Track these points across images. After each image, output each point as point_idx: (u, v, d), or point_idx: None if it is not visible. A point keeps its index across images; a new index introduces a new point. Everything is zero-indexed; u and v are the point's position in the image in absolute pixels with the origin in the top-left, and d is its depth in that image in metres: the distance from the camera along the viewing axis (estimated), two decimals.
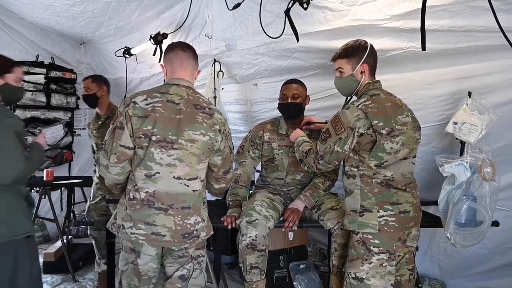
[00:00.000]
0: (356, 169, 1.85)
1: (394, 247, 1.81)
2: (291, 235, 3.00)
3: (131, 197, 1.66)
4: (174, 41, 3.37)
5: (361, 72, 1.89)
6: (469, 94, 2.14)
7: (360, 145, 1.82)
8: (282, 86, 2.39)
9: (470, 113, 2.08)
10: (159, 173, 1.62)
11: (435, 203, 2.51)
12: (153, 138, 1.61)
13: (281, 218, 2.22)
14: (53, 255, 3.33)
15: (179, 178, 1.63)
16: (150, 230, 1.63)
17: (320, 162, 1.88)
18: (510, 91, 2.12)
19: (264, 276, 2.11)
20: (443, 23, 2.04)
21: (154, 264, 1.73)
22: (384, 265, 1.79)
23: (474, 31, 1.99)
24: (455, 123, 2.14)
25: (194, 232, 1.68)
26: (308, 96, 2.40)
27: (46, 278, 3.22)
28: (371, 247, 1.79)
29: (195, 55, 1.83)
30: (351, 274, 1.84)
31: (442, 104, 2.41)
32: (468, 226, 1.98)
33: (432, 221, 2.27)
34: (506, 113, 2.13)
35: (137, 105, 1.62)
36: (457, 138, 2.21)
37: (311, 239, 3.75)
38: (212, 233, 1.83)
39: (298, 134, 2.14)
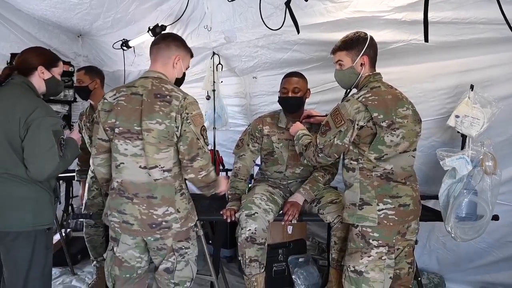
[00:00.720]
0: (355, 162, 1.84)
1: (394, 240, 1.80)
2: (290, 229, 2.99)
3: (111, 187, 1.78)
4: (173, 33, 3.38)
5: (361, 64, 1.87)
6: (472, 87, 2.12)
7: (360, 138, 1.80)
8: (282, 79, 2.36)
9: (472, 106, 2.07)
10: (123, 163, 1.70)
11: (435, 197, 2.50)
12: (116, 130, 1.69)
13: (281, 211, 2.21)
14: None
15: (144, 167, 1.67)
16: (121, 218, 1.72)
17: (320, 155, 1.86)
18: None
19: (263, 269, 2.11)
20: (446, 15, 2.02)
21: (135, 253, 1.77)
22: (383, 258, 1.78)
23: (477, 23, 1.97)
24: (457, 116, 2.13)
25: (163, 223, 1.69)
26: (309, 89, 2.38)
27: None
28: (370, 240, 1.78)
29: (169, 44, 1.79)
30: (350, 267, 1.83)
31: (444, 97, 2.39)
32: (469, 220, 1.98)
33: (432, 215, 2.26)
34: (508, 107, 2.12)
35: (105, 101, 1.73)
36: (458, 132, 2.20)
37: (310, 233, 3.74)
38: (192, 224, 1.80)
39: (298, 128, 2.12)
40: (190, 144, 1.67)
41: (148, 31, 3.22)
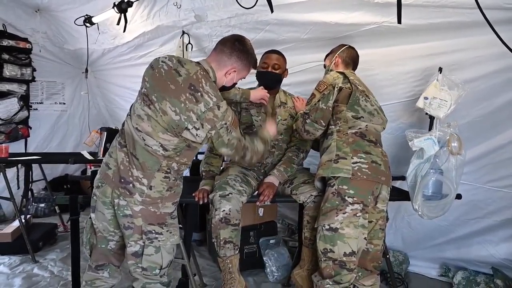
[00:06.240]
0: (333, 126, 2.00)
1: (369, 200, 1.87)
2: (261, 211, 3.00)
3: (121, 128, 1.79)
4: (140, 10, 3.25)
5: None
6: (440, 69, 2.18)
7: (338, 100, 1.99)
8: (263, 55, 2.35)
9: (440, 89, 2.13)
10: (130, 116, 1.72)
11: (402, 178, 2.59)
12: (142, 89, 1.70)
13: (255, 193, 2.20)
14: (10, 235, 3.15)
15: (139, 130, 1.66)
16: (105, 160, 1.75)
17: (307, 121, 2.02)
18: (477, 68, 2.19)
19: (237, 251, 2.09)
20: None
21: (109, 227, 1.76)
22: (357, 215, 1.84)
23: (447, 7, 2.01)
24: (426, 98, 2.19)
25: (131, 184, 1.65)
26: (287, 69, 2.37)
27: (3, 260, 3.06)
28: (346, 197, 1.85)
29: (232, 53, 1.72)
30: (325, 226, 1.87)
31: (412, 80, 2.45)
32: (435, 199, 2.05)
33: (399, 195, 2.33)
34: (472, 90, 2.19)
35: (158, 58, 1.71)
36: (426, 113, 2.26)
37: (280, 215, 3.79)
38: (153, 211, 1.68)
39: (302, 108, 2.20)
40: (236, 149, 1.75)
41: (113, 7, 3.05)
